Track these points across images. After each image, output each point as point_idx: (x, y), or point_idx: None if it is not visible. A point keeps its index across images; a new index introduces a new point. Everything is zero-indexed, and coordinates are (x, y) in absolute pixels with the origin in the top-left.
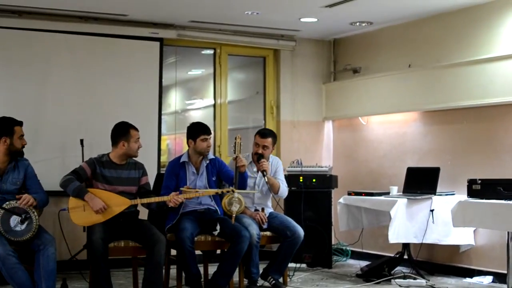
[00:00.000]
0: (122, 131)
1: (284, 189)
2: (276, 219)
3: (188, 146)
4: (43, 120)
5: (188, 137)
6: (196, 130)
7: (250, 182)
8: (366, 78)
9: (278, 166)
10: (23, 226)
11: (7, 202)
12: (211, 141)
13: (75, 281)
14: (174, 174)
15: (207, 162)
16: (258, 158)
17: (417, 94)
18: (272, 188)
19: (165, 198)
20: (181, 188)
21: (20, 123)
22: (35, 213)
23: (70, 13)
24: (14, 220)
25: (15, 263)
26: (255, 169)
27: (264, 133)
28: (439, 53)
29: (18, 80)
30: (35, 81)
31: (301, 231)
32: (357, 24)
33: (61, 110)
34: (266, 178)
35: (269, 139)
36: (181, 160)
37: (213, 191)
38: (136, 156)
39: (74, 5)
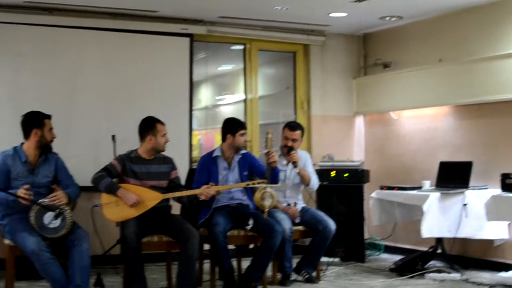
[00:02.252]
0: (148, 126)
1: (315, 181)
2: (308, 213)
3: (225, 140)
4: (74, 117)
5: (226, 132)
6: (235, 125)
7: (280, 175)
8: (396, 73)
9: (307, 159)
10: (57, 223)
11: (41, 200)
12: None
13: (109, 276)
14: (205, 169)
15: (239, 156)
16: (288, 150)
17: (448, 89)
18: (303, 180)
19: (196, 191)
20: (205, 186)
21: (49, 116)
22: (69, 210)
23: (100, 10)
24: (48, 217)
25: (49, 258)
26: (284, 162)
27: (293, 126)
28: (470, 47)
29: (49, 77)
30: (66, 78)
31: (332, 225)
32: (387, 18)
33: (93, 107)
34: (297, 169)
35: (298, 132)
36: (214, 155)
37: (243, 184)
38: (163, 151)
39: (104, 1)
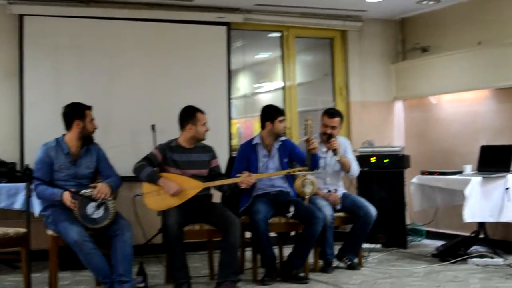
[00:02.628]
0: (189, 115)
1: (355, 168)
2: (348, 200)
3: (264, 128)
4: (114, 107)
5: (265, 119)
6: (274, 112)
7: (320, 162)
8: (435, 57)
9: (346, 146)
10: (100, 213)
11: (83, 190)
12: None
13: (152, 265)
14: (245, 157)
15: (279, 144)
16: (327, 138)
17: (488, 72)
18: (344, 167)
19: (237, 179)
20: (237, 175)
21: (89, 108)
22: (112, 200)
23: (137, 0)
24: (91, 207)
25: (92, 248)
26: (324, 149)
27: (331, 113)
28: (509, 29)
29: (88, 68)
30: (104, 69)
31: (373, 211)
32: (424, 2)
33: (132, 97)
34: (337, 156)
35: (337, 119)
36: (254, 142)
37: (284, 172)
38: (203, 139)
39: None
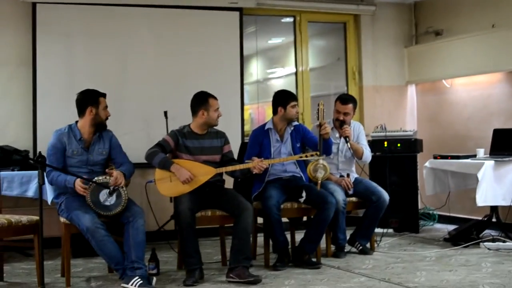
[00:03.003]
0: (201, 101)
1: (367, 154)
2: (361, 185)
3: (276, 113)
4: (126, 94)
5: (277, 105)
6: (286, 97)
7: (333, 148)
8: (448, 40)
9: (360, 131)
10: (113, 201)
11: (96, 178)
12: None
13: (164, 251)
14: (257, 142)
15: (292, 129)
16: (340, 124)
17: (501, 55)
18: (356, 154)
19: (249, 164)
20: (246, 161)
21: (104, 95)
22: (124, 187)
23: None
24: (103, 194)
25: (104, 235)
26: (337, 135)
27: (345, 98)
28: None
29: (101, 55)
30: (117, 55)
31: (386, 196)
32: None
33: (144, 83)
34: (349, 144)
35: (350, 105)
36: (266, 128)
37: (296, 157)
38: (216, 125)
39: None
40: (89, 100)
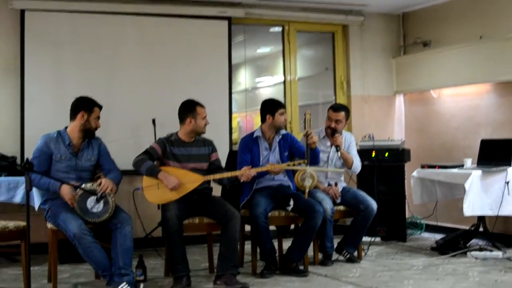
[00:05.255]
0: (188, 109)
1: (357, 164)
2: (349, 193)
3: (265, 121)
4: (114, 101)
5: (266, 112)
6: (274, 104)
7: (323, 156)
8: (436, 51)
9: (351, 141)
10: (100, 208)
11: (84, 185)
12: None
13: (151, 258)
14: (248, 149)
15: (280, 137)
16: (332, 132)
17: (489, 66)
18: (346, 163)
19: (237, 172)
20: (245, 167)
21: (100, 106)
22: (111, 194)
23: None
24: (91, 201)
25: (91, 241)
26: (328, 144)
27: (336, 107)
28: (510, 24)
29: (89, 62)
30: (105, 63)
31: (374, 204)
32: None
33: (133, 90)
34: (339, 153)
35: (342, 113)
36: (254, 135)
37: (284, 165)
38: (203, 133)
39: None
40: (84, 105)
